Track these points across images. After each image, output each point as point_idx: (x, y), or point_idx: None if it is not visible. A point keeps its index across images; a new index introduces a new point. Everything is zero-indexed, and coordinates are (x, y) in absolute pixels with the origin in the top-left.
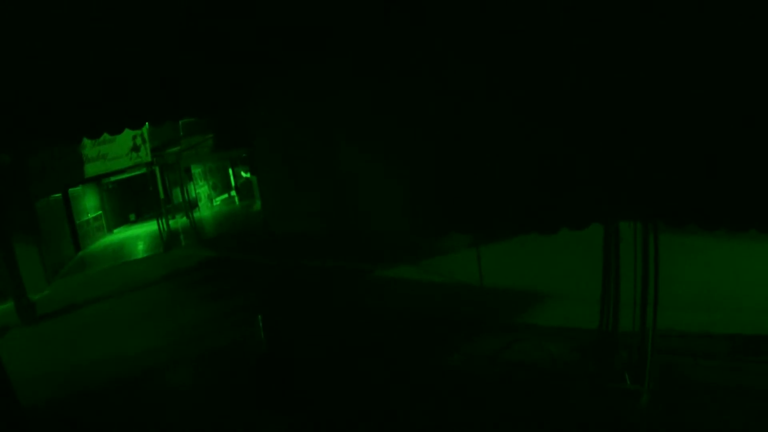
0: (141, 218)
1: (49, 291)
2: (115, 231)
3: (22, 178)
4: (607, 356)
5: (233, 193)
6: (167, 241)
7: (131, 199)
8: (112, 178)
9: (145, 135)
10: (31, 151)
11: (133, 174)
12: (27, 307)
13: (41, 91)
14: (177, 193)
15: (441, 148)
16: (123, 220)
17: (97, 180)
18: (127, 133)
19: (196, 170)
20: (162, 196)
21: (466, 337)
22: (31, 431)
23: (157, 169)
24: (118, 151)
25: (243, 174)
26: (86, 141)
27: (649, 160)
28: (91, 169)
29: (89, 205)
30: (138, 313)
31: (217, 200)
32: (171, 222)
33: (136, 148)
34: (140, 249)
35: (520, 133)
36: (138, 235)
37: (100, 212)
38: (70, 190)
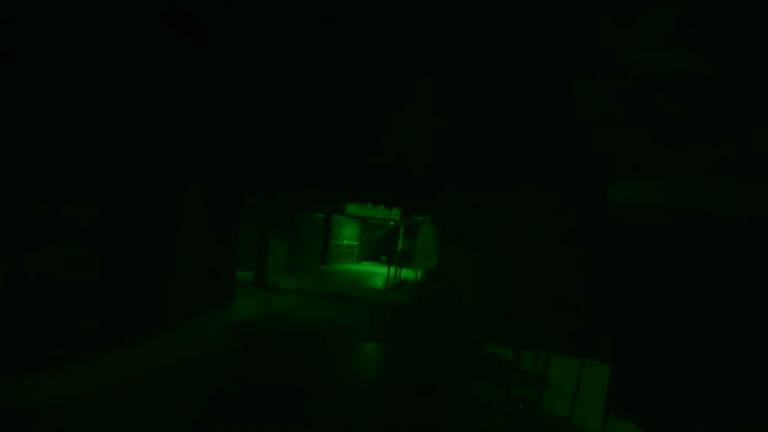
0: (392, 261)
1: (283, 278)
2: (363, 263)
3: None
4: None
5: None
6: (391, 285)
7: (387, 242)
8: (375, 220)
9: None
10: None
11: (387, 224)
12: (260, 279)
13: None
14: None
15: None
16: (374, 257)
17: (363, 218)
18: None
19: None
20: (399, 248)
21: None
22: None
23: (401, 228)
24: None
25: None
26: None
27: None
28: (350, 209)
29: (347, 233)
30: (330, 313)
31: None
32: (404, 271)
33: (388, 207)
34: (370, 281)
35: None
36: (376, 273)
37: (355, 243)
38: (334, 216)
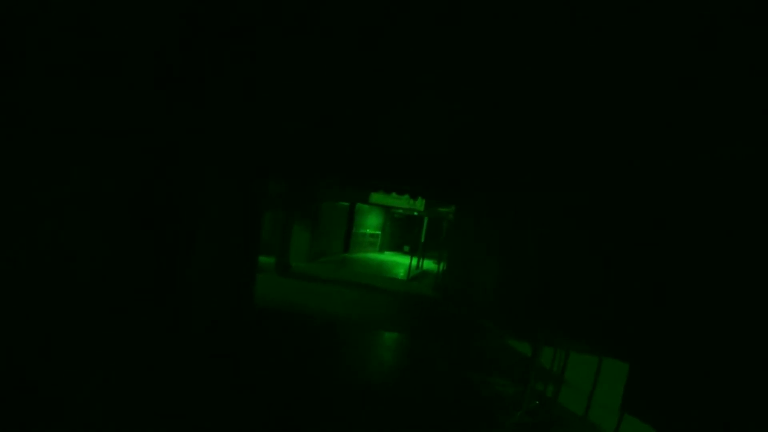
0: (414, 252)
1: (305, 265)
2: (385, 253)
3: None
4: None
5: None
6: (413, 275)
7: (410, 233)
8: (399, 210)
9: None
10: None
11: (410, 214)
12: (283, 265)
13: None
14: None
15: None
16: (397, 248)
17: (387, 207)
18: None
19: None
20: (422, 239)
21: None
22: (258, 318)
23: (425, 219)
24: (398, 194)
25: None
26: None
27: None
28: (375, 198)
29: (371, 222)
30: (350, 301)
31: None
32: (426, 262)
33: (413, 197)
34: (392, 271)
35: None
36: (398, 263)
37: (378, 232)
38: (358, 204)
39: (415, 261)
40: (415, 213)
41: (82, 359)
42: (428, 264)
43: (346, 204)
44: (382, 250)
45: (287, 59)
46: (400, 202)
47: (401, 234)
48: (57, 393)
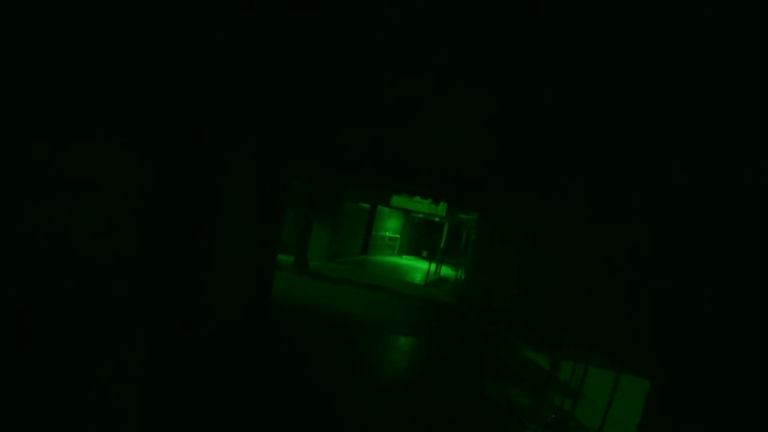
0: (433, 257)
1: (323, 264)
2: (403, 257)
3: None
4: None
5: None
6: (430, 281)
7: (430, 238)
8: (420, 214)
9: None
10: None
11: (430, 219)
12: (301, 264)
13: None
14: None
15: None
16: (415, 252)
17: (407, 211)
18: None
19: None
20: (442, 245)
21: None
22: (273, 316)
23: (446, 224)
24: (422, 198)
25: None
26: None
27: None
28: (396, 201)
29: (391, 225)
30: (367, 303)
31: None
32: (444, 268)
33: (436, 202)
34: (410, 275)
35: None
36: (416, 267)
37: (397, 236)
38: (379, 207)
39: (433, 266)
40: (436, 219)
41: (91, 357)
42: (446, 270)
43: (367, 206)
44: (400, 253)
45: (321, 62)
46: (421, 206)
47: (420, 238)
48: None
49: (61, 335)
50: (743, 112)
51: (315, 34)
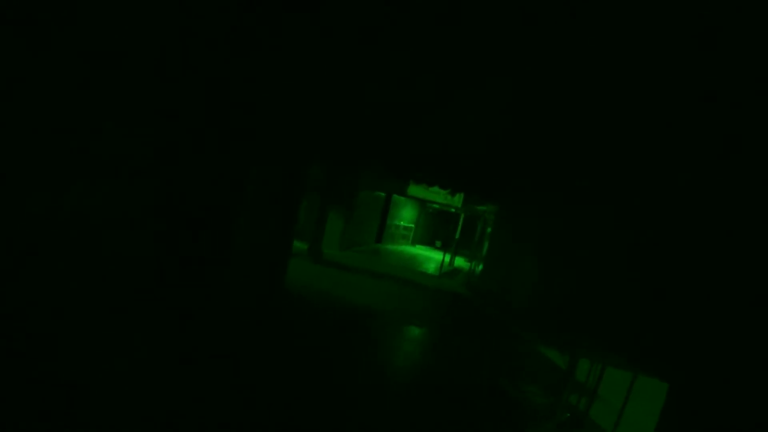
0: (447, 248)
1: (337, 252)
2: (417, 246)
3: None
4: None
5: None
6: (444, 272)
7: (444, 228)
8: (435, 204)
9: None
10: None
11: (446, 210)
12: (315, 251)
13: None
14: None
15: None
16: (429, 242)
17: (422, 201)
18: None
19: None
20: (457, 236)
21: None
22: (289, 301)
23: (461, 215)
24: (440, 188)
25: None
26: None
27: None
28: (412, 190)
29: (406, 215)
30: (380, 292)
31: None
32: (457, 259)
33: (452, 193)
34: (423, 266)
35: None
36: (430, 258)
37: (412, 225)
38: (394, 196)
39: (447, 257)
40: (452, 209)
41: (91, 357)
42: (459, 261)
43: (383, 194)
44: (414, 243)
45: (342, 62)
46: (438, 197)
47: (434, 229)
48: (70, 384)
49: (61, 335)
50: (743, 112)
51: (315, 34)
